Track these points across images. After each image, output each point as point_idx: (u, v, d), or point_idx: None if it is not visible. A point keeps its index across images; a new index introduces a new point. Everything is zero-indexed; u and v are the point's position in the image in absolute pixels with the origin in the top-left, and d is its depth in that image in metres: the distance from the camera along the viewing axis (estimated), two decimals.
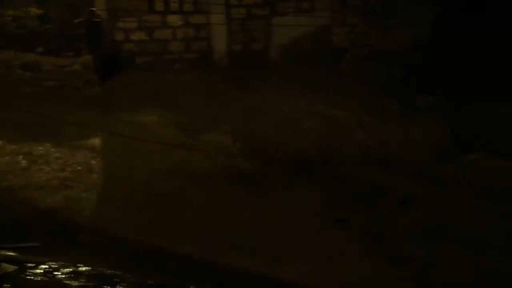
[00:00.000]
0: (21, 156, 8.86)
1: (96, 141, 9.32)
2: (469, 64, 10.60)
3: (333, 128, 10.01)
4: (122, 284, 4.56)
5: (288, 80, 11.18)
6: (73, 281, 4.62)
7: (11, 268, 4.84)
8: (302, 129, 9.76)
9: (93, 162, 8.81)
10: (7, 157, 8.82)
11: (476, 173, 8.68)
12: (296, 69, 11.60)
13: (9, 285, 4.58)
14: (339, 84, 11.33)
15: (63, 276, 4.72)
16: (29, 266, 4.86)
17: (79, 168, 8.63)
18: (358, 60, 12.08)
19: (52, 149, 9.06)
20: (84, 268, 4.83)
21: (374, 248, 6.94)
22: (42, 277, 4.72)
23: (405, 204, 7.94)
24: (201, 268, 6.36)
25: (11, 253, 5.13)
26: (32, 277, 4.73)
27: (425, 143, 9.74)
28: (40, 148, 9.06)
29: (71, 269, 4.81)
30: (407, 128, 10.06)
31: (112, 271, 4.77)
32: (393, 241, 7.10)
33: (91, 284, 4.57)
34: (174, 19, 11.85)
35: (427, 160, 9.35)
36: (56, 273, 4.77)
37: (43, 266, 4.86)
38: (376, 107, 10.73)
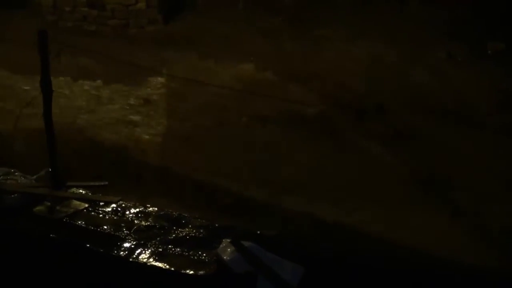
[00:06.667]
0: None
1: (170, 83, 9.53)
2: None
3: (392, 73, 9.86)
4: (188, 226, 4.73)
5: (352, 21, 11.05)
6: (142, 221, 4.82)
7: (82, 206, 5.07)
8: (358, 73, 9.65)
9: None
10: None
11: None
12: (360, 10, 11.40)
13: (82, 222, 4.82)
14: (403, 26, 11.07)
15: (132, 215, 4.93)
16: (100, 205, 5.08)
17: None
18: (423, 2, 11.71)
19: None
20: (151, 209, 5.02)
21: None
22: (112, 216, 4.94)
23: None
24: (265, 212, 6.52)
25: (81, 191, 5.34)
26: (102, 216, 4.95)
27: (489, 92, 9.47)
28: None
29: (139, 209, 5.01)
30: (472, 76, 9.80)
31: (179, 213, 4.94)
32: None
33: (158, 225, 4.75)
34: None
35: (489, 110, 9.09)
36: (125, 212, 4.98)
37: (113, 205, 5.07)
38: (441, 52, 10.47)
